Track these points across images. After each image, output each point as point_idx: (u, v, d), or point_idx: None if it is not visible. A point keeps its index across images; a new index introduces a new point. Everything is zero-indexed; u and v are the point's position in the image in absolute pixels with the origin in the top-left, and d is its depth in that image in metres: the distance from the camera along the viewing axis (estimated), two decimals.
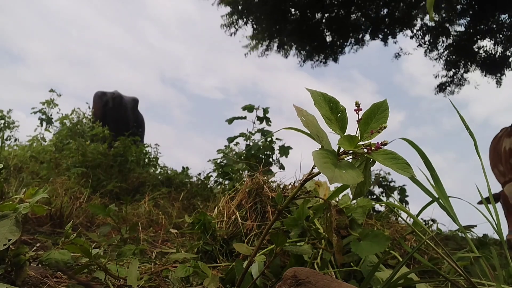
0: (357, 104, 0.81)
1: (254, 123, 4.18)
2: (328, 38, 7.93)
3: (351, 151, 0.80)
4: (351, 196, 0.92)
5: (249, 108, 4.15)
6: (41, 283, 1.13)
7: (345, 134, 0.80)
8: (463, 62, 7.65)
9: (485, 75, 7.50)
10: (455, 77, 7.88)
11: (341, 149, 0.81)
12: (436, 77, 7.97)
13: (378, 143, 0.78)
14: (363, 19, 7.62)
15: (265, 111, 4.17)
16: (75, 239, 0.83)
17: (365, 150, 0.77)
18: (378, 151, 0.77)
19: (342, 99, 0.83)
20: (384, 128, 0.79)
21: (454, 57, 7.65)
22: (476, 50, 7.41)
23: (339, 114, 0.83)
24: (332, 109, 0.83)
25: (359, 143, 0.79)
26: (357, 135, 0.81)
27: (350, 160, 0.83)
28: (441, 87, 7.97)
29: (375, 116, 0.82)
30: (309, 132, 0.82)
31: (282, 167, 4.10)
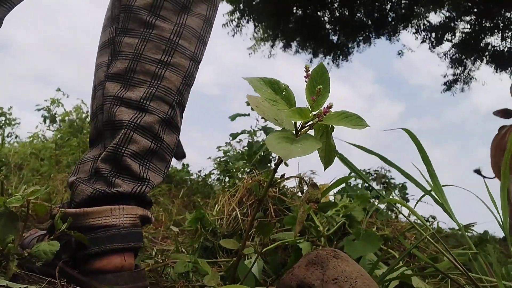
0: (307, 69, 0.80)
1: (257, 120, 4.10)
2: (334, 38, 7.88)
3: (308, 125, 0.79)
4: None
5: None
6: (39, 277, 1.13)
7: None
8: (471, 59, 7.59)
9: (496, 71, 7.43)
10: (462, 75, 7.80)
11: (299, 126, 0.80)
12: (444, 76, 7.90)
13: (324, 107, 0.77)
14: (367, 18, 7.57)
15: None
16: (74, 233, 0.80)
17: (317, 119, 0.77)
18: (330, 115, 0.77)
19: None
20: (328, 91, 0.79)
21: (460, 54, 7.60)
22: (483, 46, 7.36)
23: (283, 93, 0.83)
24: (275, 90, 0.82)
25: (311, 114, 0.78)
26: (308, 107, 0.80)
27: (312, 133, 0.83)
28: (448, 86, 7.89)
29: (317, 82, 0.80)
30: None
31: (285, 163, 4.04)
